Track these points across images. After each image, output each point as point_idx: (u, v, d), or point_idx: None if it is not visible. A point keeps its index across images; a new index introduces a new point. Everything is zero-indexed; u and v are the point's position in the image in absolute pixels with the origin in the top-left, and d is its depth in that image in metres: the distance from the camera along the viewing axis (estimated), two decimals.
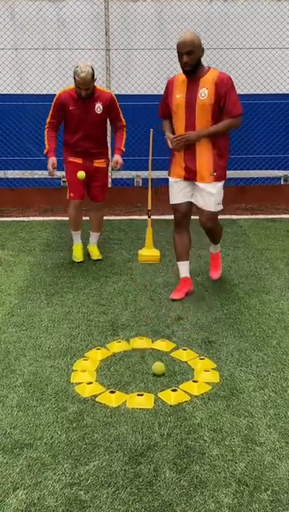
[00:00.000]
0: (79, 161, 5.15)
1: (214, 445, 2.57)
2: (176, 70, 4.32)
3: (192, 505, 2.20)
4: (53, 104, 5.06)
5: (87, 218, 5.52)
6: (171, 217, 4.56)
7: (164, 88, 4.39)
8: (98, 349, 3.51)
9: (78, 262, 5.27)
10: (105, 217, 7.06)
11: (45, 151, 5.15)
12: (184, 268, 4.52)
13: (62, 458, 2.49)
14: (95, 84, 5.00)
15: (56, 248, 5.75)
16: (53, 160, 5.07)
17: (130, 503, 2.21)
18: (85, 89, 4.85)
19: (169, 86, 4.30)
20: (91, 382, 3.09)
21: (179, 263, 4.54)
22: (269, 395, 3.00)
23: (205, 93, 4.07)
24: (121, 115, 5.25)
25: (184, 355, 3.44)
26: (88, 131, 5.06)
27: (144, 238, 5.59)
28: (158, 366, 3.22)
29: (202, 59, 4.15)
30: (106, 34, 7.61)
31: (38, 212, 7.44)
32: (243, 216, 7.23)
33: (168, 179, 4.45)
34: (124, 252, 5.64)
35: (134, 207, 7.62)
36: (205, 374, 3.18)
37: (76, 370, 3.26)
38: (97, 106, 5.01)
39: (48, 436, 2.65)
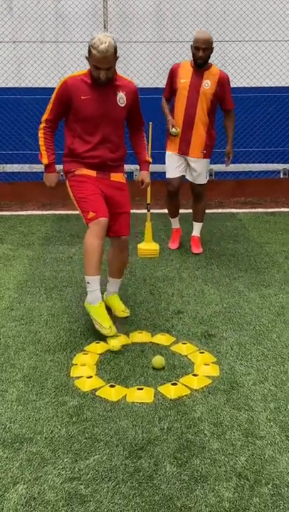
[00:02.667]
0: (92, 173, 3.68)
1: (214, 439, 2.57)
2: (175, 63, 5.08)
3: (193, 499, 2.20)
4: (54, 93, 3.62)
5: None
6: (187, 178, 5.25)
7: (162, 81, 5.04)
8: (98, 343, 3.50)
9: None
10: None
11: (43, 161, 3.78)
12: (176, 222, 5.59)
13: (62, 452, 2.48)
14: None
15: (55, 242, 5.73)
16: (56, 176, 3.84)
17: (130, 497, 2.21)
18: (106, 69, 3.47)
19: (175, 70, 5.06)
20: (91, 377, 3.09)
21: (172, 219, 5.57)
22: (269, 388, 3.00)
23: (208, 84, 4.93)
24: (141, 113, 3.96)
25: (183, 348, 3.43)
26: (107, 131, 3.63)
27: (143, 232, 5.57)
28: (158, 360, 3.22)
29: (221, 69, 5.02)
30: (104, 27, 7.57)
31: (37, 206, 7.42)
32: (242, 210, 7.21)
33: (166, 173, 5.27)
34: None
35: (133, 201, 7.58)
36: (205, 368, 3.17)
37: (76, 364, 3.25)
38: (119, 96, 3.63)
39: (47, 430, 2.64)
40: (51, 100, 3.66)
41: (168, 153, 5.20)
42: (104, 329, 3.51)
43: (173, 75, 5.06)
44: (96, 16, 7.56)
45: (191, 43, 4.90)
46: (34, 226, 6.40)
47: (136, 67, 7.58)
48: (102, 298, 3.71)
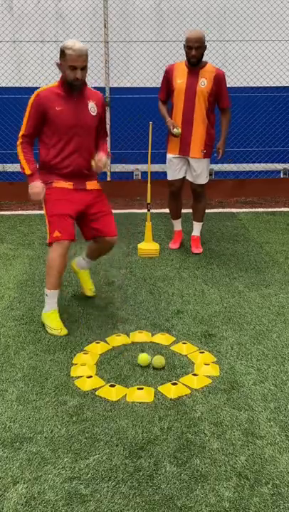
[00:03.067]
0: (68, 185, 3.75)
1: (214, 439, 2.57)
2: (168, 64, 5.04)
3: (193, 498, 2.20)
4: (28, 108, 3.66)
5: None
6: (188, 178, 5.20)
7: (166, 72, 5.02)
8: (98, 343, 3.50)
9: (63, 336, 3.67)
10: None
11: (25, 172, 3.71)
12: (178, 224, 5.56)
13: (62, 452, 2.48)
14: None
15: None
16: (41, 186, 3.68)
17: (130, 497, 2.21)
18: (81, 69, 3.57)
19: (170, 71, 5.00)
20: (91, 376, 3.09)
21: (174, 221, 5.54)
22: (269, 388, 3.00)
23: (204, 82, 4.89)
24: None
25: (183, 348, 3.43)
26: (81, 139, 3.72)
27: (143, 232, 5.57)
28: (158, 359, 3.22)
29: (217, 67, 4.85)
30: (105, 26, 7.57)
31: (37, 206, 7.40)
32: (242, 209, 7.21)
33: (167, 174, 5.25)
34: (124, 245, 5.62)
35: (133, 200, 7.60)
36: (205, 367, 3.17)
37: (76, 364, 3.25)
38: (90, 105, 3.75)
39: (47, 430, 2.64)
40: (26, 115, 3.69)
41: (169, 156, 5.19)
42: (54, 330, 3.68)
43: (168, 76, 5.02)
44: (96, 15, 7.56)
45: (184, 42, 4.86)
46: (34, 226, 6.40)
47: (136, 67, 7.58)
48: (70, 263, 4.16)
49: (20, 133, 3.73)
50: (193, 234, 5.48)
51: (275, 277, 4.69)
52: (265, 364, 3.26)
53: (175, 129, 4.97)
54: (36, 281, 4.61)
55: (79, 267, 4.22)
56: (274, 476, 2.32)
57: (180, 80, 4.91)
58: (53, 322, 3.71)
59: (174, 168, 5.18)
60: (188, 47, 4.81)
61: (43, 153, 3.76)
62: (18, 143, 3.74)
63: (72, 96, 3.68)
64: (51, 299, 3.76)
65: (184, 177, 5.22)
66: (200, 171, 5.15)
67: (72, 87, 3.64)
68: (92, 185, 3.86)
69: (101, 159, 3.77)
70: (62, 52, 3.56)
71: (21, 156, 3.73)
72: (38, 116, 3.65)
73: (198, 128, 4.99)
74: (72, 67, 3.55)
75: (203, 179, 5.22)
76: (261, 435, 2.60)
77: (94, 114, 3.76)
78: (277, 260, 5.13)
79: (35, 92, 3.70)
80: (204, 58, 4.93)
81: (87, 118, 3.73)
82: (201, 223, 5.48)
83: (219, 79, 4.91)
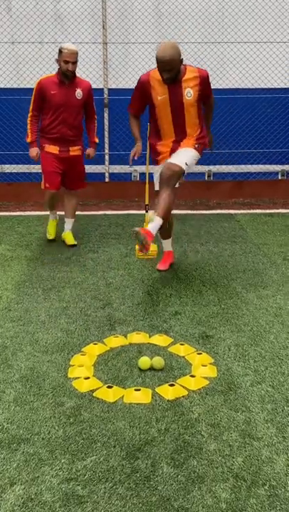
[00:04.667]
0: (55, 150, 5.28)
1: (212, 440, 2.57)
2: (142, 74, 4.41)
3: (190, 500, 2.20)
4: (34, 91, 5.18)
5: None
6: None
7: (140, 84, 4.36)
8: (95, 344, 3.50)
9: (50, 240, 5.63)
10: (102, 212, 7.09)
11: (27, 140, 5.32)
12: (167, 244, 4.94)
13: (60, 453, 2.48)
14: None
15: (53, 243, 5.73)
16: (36, 150, 5.36)
17: (128, 498, 2.21)
18: (73, 63, 5.02)
19: (146, 85, 4.31)
20: (88, 377, 3.09)
21: (164, 241, 4.94)
22: (266, 389, 3.00)
23: (190, 93, 4.28)
24: (94, 105, 5.47)
25: (181, 349, 3.44)
26: (67, 116, 5.19)
27: None
28: (157, 360, 3.22)
29: (198, 54, 4.30)
30: (103, 28, 7.58)
31: (35, 206, 7.41)
32: (240, 211, 7.22)
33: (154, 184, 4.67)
34: (122, 246, 5.63)
35: (131, 201, 7.60)
36: (202, 369, 3.17)
37: (73, 365, 3.25)
38: (77, 92, 5.20)
39: (45, 431, 2.64)
40: (32, 100, 5.23)
41: (158, 168, 4.53)
42: (48, 235, 5.74)
43: (144, 90, 4.35)
44: (95, 16, 7.57)
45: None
46: (32, 227, 6.40)
47: (134, 68, 7.57)
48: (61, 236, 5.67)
49: (30, 110, 5.26)
50: (165, 248, 4.91)
51: (273, 278, 4.70)
52: (262, 365, 3.26)
53: (135, 158, 4.59)
54: (34, 282, 4.61)
55: (65, 231, 5.71)
56: (271, 478, 2.33)
57: (161, 97, 4.28)
58: (48, 228, 5.76)
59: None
60: (158, 67, 4.17)
61: (42, 122, 5.32)
62: (28, 115, 5.29)
63: (64, 83, 5.16)
64: (51, 215, 5.77)
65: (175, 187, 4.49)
66: (182, 154, 4.32)
67: (65, 76, 5.12)
68: (74, 150, 5.39)
69: (89, 155, 5.56)
70: (60, 51, 5.07)
71: (28, 127, 5.30)
72: (40, 99, 5.19)
73: (192, 131, 4.43)
74: (66, 61, 5.04)
75: (179, 158, 4.27)
76: (258, 436, 2.60)
77: (79, 98, 5.23)
78: (275, 261, 5.13)
79: (38, 79, 5.24)
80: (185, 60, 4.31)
81: (73, 100, 5.20)
82: (160, 219, 4.20)
83: (204, 82, 4.32)
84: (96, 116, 5.57)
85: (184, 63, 4.27)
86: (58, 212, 5.86)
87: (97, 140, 5.61)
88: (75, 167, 5.46)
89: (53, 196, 5.48)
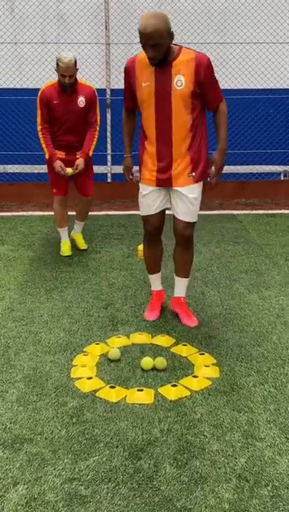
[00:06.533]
0: (61, 155, 5.11)
1: (214, 440, 2.57)
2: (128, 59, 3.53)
3: (192, 500, 2.20)
4: (38, 102, 4.98)
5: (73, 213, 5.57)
6: (171, 212, 3.79)
7: (125, 71, 3.52)
8: (97, 344, 3.50)
9: (66, 256, 5.29)
10: (105, 213, 7.09)
11: (46, 157, 5.08)
12: (156, 280, 4.03)
13: (63, 453, 2.49)
14: (77, 77, 4.98)
15: (56, 243, 5.73)
16: (59, 163, 5.01)
17: (130, 498, 2.21)
18: (69, 76, 4.80)
19: (130, 70, 3.43)
20: (91, 378, 3.09)
21: (151, 276, 4.00)
22: (269, 390, 3.00)
23: (181, 81, 3.29)
24: (97, 111, 5.14)
25: (183, 350, 3.44)
26: (71, 124, 5.03)
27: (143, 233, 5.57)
28: (160, 361, 3.22)
29: (197, 51, 3.45)
30: (106, 28, 7.58)
31: (38, 207, 7.42)
32: (242, 211, 7.22)
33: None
34: (124, 247, 5.63)
35: (133, 202, 7.58)
36: (205, 369, 3.18)
37: (76, 365, 3.26)
38: (79, 99, 5.00)
39: (48, 431, 2.65)
40: (38, 107, 5.01)
41: (141, 189, 3.71)
42: (62, 252, 5.36)
43: (129, 76, 3.47)
44: (98, 17, 7.57)
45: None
46: (35, 227, 6.40)
47: None
48: (69, 234, 5.56)
49: (39, 122, 5.03)
50: (175, 294, 3.96)
51: (275, 279, 4.70)
52: (265, 366, 3.26)
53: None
54: (37, 282, 4.61)
55: (75, 233, 5.63)
56: (273, 478, 2.33)
57: (145, 83, 3.36)
58: (62, 247, 5.40)
59: (148, 200, 3.67)
60: (142, 44, 3.22)
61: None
62: (38, 129, 5.06)
63: (66, 92, 4.94)
64: (62, 234, 5.44)
65: (165, 210, 3.74)
66: (188, 205, 3.60)
67: (65, 87, 4.91)
68: (80, 154, 5.13)
69: (77, 166, 5.06)
70: (57, 63, 4.81)
71: (42, 141, 5.08)
72: (44, 108, 4.98)
73: (179, 142, 3.44)
74: (62, 75, 4.83)
75: (195, 214, 3.67)
76: (261, 437, 2.60)
77: (82, 106, 5.02)
78: (277, 262, 5.13)
79: (41, 90, 5.01)
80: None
81: (76, 108, 5.00)
82: (187, 280, 3.92)
83: (202, 68, 3.28)
84: (97, 127, 5.14)
85: (182, 45, 3.38)
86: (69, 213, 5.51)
87: (90, 153, 5.11)
88: (83, 170, 5.13)
89: (60, 203, 5.31)
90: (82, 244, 5.55)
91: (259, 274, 4.81)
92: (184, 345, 3.49)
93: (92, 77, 6.77)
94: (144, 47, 3.22)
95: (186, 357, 3.37)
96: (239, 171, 8.02)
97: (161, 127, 3.42)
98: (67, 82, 4.83)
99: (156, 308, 3.99)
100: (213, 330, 3.74)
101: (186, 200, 3.59)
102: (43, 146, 5.05)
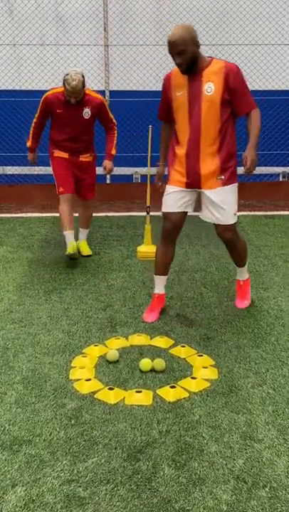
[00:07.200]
0: (65, 155, 5.06)
1: (213, 442, 2.58)
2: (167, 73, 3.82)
3: (191, 501, 2.20)
4: (40, 104, 4.94)
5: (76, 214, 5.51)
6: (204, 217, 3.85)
7: (162, 84, 3.82)
8: (96, 345, 3.51)
9: (72, 259, 5.00)
10: (104, 214, 7.09)
11: (27, 144, 5.22)
12: (161, 283, 4.05)
13: (61, 454, 2.49)
14: (86, 87, 4.87)
15: (55, 245, 5.74)
16: (33, 155, 5.29)
17: (129, 499, 2.22)
18: (75, 97, 4.76)
19: (166, 83, 3.70)
20: (90, 379, 3.09)
21: (157, 277, 4.03)
22: (267, 391, 3.00)
23: (211, 88, 3.51)
24: (111, 116, 5.16)
25: (182, 351, 3.44)
26: (74, 134, 4.98)
27: (142, 235, 5.58)
28: (159, 362, 3.23)
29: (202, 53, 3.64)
30: (105, 30, 7.59)
31: (37, 208, 7.43)
32: (241, 212, 7.20)
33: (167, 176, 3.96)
34: (123, 248, 5.63)
35: (132, 203, 7.61)
36: (203, 371, 3.18)
37: (75, 367, 3.26)
38: (85, 111, 4.91)
39: (46, 432, 2.65)
40: (38, 110, 5.00)
41: (168, 187, 3.82)
42: (66, 250, 4.97)
43: (165, 88, 3.73)
44: (96, 19, 7.58)
45: None
46: (34, 228, 6.41)
47: (136, 70, 7.60)
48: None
49: (35, 116, 5.06)
50: (237, 278, 4.28)
51: (274, 280, 4.70)
52: (263, 367, 3.26)
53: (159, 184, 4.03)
54: (35, 283, 4.62)
55: (80, 240, 5.50)
56: (272, 479, 2.33)
57: (179, 93, 3.61)
58: (68, 248, 4.97)
59: (172, 197, 3.78)
60: (170, 54, 3.54)
61: (51, 132, 5.11)
62: (33, 122, 5.10)
63: (71, 103, 4.84)
64: (68, 238, 5.03)
65: (186, 213, 3.83)
66: (219, 209, 3.71)
67: (70, 102, 4.82)
68: (84, 157, 5.14)
69: (105, 167, 5.19)
70: (64, 82, 4.69)
71: (30, 131, 5.15)
72: (44, 112, 4.99)
73: (208, 146, 3.62)
74: (69, 96, 4.77)
75: (229, 216, 3.76)
76: (259, 438, 2.61)
77: (87, 117, 4.96)
78: (276, 263, 5.14)
79: (45, 94, 4.94)
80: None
81: (80, 120, 4.93)
82: (244, 268, 4.19)
83: (232, 75, 3.53)
84: (115, 127, 5.24)
85: (212, 56, 3.65)
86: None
87: (114, 152, 5.23)
88: (85, 172, 5.17)
89: (68, 202, 5.03)
90: (87, 251, 5.42)
91: (258, 276, 4.82)
92: (183, 346, 3.50)
93: (90, 78, 6.77)
94: (172, 56, 3.52)
95: (184, 358, 3.38)
96: (238, 172, 8.01)
97: (192, 131, 3.62)
98: (73, 101, 4.79)
99: (155, 310, 4.01)
100: (212, 331, 3.75)
101: (216, 205, 3.71)
102: (30, 134, 5.16)
